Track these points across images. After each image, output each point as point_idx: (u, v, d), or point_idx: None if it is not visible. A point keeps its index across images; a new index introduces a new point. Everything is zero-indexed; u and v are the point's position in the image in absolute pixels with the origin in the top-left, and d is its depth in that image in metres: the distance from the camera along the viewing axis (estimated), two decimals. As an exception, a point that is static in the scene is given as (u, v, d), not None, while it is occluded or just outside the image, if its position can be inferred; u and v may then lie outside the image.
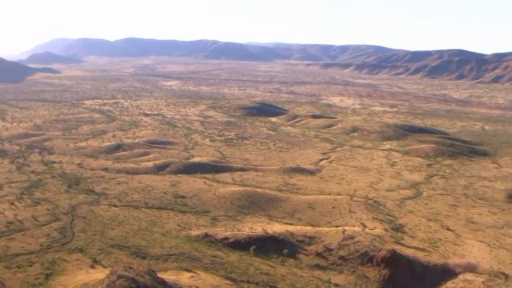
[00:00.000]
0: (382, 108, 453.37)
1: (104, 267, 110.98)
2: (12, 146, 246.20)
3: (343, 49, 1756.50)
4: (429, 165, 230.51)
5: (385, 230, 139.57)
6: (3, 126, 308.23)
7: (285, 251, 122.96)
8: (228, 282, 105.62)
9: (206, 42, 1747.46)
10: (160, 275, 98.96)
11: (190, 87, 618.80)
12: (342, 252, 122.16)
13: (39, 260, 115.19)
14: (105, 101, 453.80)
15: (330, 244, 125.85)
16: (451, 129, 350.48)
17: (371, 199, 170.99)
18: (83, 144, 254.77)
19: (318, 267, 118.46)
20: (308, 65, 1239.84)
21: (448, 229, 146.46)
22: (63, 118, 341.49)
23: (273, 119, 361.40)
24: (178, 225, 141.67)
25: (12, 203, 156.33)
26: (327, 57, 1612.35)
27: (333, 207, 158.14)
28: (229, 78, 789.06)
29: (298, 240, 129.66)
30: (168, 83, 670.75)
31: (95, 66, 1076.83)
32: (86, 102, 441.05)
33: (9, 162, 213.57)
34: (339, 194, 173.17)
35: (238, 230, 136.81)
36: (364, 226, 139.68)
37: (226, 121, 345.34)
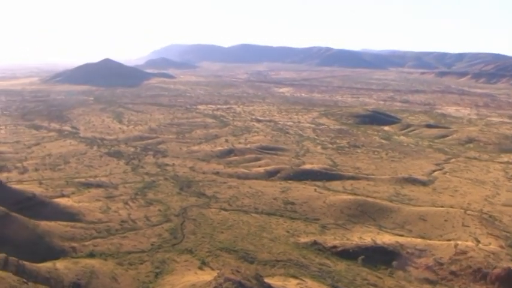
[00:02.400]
0: (500, 119, 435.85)
1: (212, 269, 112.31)
2: (128, 148, 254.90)
3: (460, 57, 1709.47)
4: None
5: (501, 246, 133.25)
6: (120, 128, 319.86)
7: (394, 263, 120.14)
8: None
9: (319, 49, 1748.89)
10: (267, 280, 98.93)
11: (303, 94, 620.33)
12: (453, 267, 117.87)
13: (149, 259, 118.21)
14: (218, 106, 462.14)
15: (441, 258, 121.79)
16: None
17: (486, 213, 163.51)
18: (195, 148, 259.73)
19: (428, 281, 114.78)
20: (423, 73, 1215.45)
21: None
22: (177, 122, 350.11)
23: (386, 128, 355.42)
24: (287, 232, 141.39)
25: (127, 203, 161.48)
26: (442, 65, 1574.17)
27: (445, 220, 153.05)
28: (342, 85, 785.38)
29: (408, 253, 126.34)
30: (281, 90, 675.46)
31: (209, 71, 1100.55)
32: (199, 107, 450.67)
33: (125, 164, 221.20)
34: (452, 207, 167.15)
35: (347, 239, 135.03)
36: (478, 241, 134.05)
37: (338, 129, 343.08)
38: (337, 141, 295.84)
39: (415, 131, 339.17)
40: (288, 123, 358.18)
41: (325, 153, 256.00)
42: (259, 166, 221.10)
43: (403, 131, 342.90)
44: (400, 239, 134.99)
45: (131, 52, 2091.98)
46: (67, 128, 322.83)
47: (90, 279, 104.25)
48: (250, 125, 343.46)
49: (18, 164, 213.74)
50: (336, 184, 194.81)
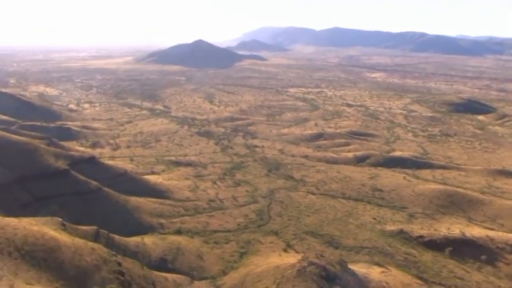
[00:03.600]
0: None
1: (297, 252, 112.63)
2: (218, 129, 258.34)
3: None
4: None
5: None
6: (211, 109, 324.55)
7: (483, 257, 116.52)
8: (419, 282, 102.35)
9: (413, 34, 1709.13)
10: (351, 266, 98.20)
11: (395, 80, 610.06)
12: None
13: (235, 239, 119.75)
14: (309, 89, 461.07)
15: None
16: None
17: None
18: (285, 130, 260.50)
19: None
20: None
21: None
22: (268, 104, 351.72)
23: (480, 117, 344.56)
24: (374, 219, 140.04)
25: (215, 182, 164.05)
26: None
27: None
28: (435, 72, 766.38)
29: (498, 247, 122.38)
30: (373, 75, 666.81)
31: (300, 54, 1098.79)
32: (290, 90, 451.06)
33: (215, 144, 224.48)
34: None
35: (435, 230, 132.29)
36: None
37: (431, 116, 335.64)
38: (429, 129, 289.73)
39: (511, 122, 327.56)
40: (379, 109, 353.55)
41: (416, 141, 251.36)
42: (349, 151, 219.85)
43: (499, 121, 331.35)
44: (491, 233, 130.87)
45: (224, 33, 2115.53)
46: (159, 107, 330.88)
47: (176, 256, 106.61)
48: (340, 110, 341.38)
49: (111, 141, 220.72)
50: (425, 173, 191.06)
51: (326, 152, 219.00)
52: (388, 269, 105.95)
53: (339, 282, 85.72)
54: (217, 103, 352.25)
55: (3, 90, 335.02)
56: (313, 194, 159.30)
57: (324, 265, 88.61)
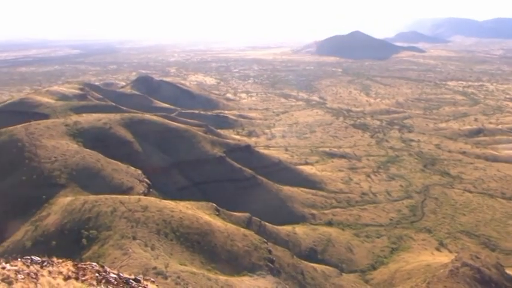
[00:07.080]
0: None
1: (450, 251, 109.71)
2: (374, 121, 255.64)
3: None
4: None
5: None
6: (367, 101, 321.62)
7: None
8: None
9: None
10: (508, 271, 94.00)
11: None
12: None
13: (386, 234, 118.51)
14: (470, 83, 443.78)
15: None
16: None
17: None
18: (442, 125, 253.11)
19: None
20: None
21: None
22: (425, 98, 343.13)
23: None
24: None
25: (369, 176, 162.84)
26: None
27: None
28: None
29: None
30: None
31: (461, 46, 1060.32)
32: (449, 83, 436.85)
33: (370, 136, 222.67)
34: None
35: None
36: None
37: None
38: None
39: None
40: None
41: None
42: (510, 149, 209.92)
43: None
44: None
45: (382, 25, 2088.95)
46: (315, 98, 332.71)
47: (326, 247, 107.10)
48: (503, 105, 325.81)
49: (267, 130, 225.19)
50: None
51: (485, 148, 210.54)
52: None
53: (494, 286, 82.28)
54: (374, 95, 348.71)
55: (164, 79, 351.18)
56: (470, 192, 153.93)
57: (479, 267, 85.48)
